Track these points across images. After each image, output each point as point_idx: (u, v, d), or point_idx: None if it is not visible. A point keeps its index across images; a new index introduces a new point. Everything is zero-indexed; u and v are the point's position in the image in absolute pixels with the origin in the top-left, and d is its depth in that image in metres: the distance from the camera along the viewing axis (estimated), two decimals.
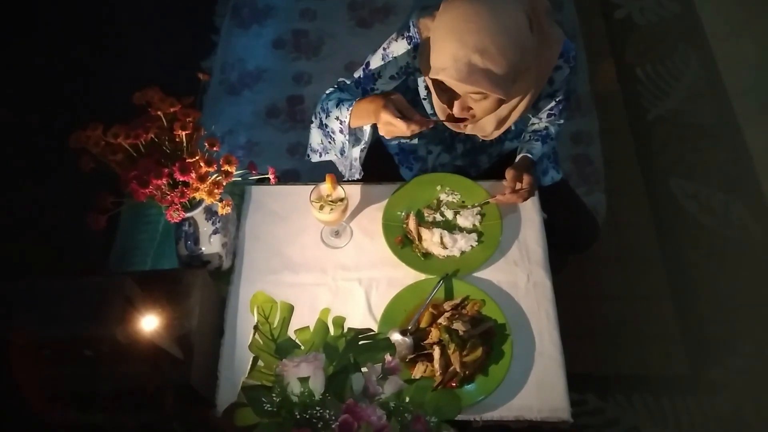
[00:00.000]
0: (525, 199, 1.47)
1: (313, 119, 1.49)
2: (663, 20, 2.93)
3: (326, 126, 1.42)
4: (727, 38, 2.78)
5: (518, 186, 1.45)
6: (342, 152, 1.46)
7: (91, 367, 1.12)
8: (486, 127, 1.44)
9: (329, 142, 1.47)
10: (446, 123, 1.42)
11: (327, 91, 1.47)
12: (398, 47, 1.41)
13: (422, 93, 1.53)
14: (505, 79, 1.20)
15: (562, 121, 1.60)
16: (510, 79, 1.22)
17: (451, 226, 1.49)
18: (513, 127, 1.72)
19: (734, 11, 2.81)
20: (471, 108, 1.31)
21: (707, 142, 2.54)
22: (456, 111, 1.31)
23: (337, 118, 1.37)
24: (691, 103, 2.64)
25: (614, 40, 2.87)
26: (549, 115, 1.56)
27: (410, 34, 1.38)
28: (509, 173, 1.45)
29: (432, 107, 1.55)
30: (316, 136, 1.52)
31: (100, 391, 1.22)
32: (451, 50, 1.18)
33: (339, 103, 1.37)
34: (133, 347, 1.05)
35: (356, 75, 1.50)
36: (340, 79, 1.51)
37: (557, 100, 1.51)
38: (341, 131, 1.38)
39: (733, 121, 2.59)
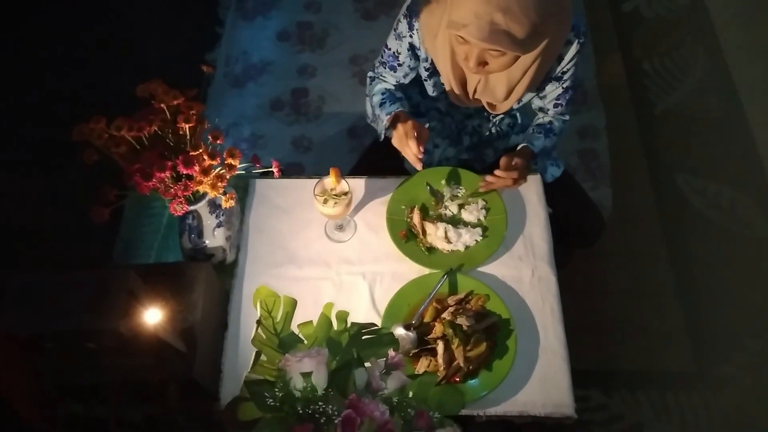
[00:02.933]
0: (516, 182, 1.44)
1: (367, 94, 1.67)
2: (671, 13, 2.90)
3: (372, 108, 1.62)
4: (735, 31, 2.75)
5: (501, 173, 1.42)
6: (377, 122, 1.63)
7: (94, 360, 1.12)
8: (496, 91, 1.43)
9: (374, 122, 1.65)
10: (457, 98, 1.46)
11: (370, 74, 1.64)
12: (403, 27, 1.45)
13: (423, 74, 1.53)
14: (526, 38, 1.21)
15: (567, 117, 1.59)
16: (529, 38, 1.22)
17: (455, 221, 1.48)
18: (519, 121, 1.71)
19: (742, 4, 2.78)
20: (487, 63, 1.30)
21: (715, 136, 2.52)
22: (472, 65, 1.29)
23: (377, 115, 1.57)
24: (699, 97, 2.62)
25: (621, 34, 2.85)
26: (555, 105, 1.55)
27: (406, 13, 1.42)
28: (504, 159, 1.44)
29: (434, 88, 1.54)
30: (368, 107, 1.68)
31: (103, 384, 1.22)
32: (473, 6, 1.17)
33: (381, 102, 1.56)
34: (137, 340, 1.05)
35: (380, 57, 1.57)
36: (371, 73, 1.64)
37: (564, 86, 1.49)
38: (380, 121, 1.57)
39: (741, 116, 2.57)
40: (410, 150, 1.39)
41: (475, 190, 1.50)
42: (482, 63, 1.30)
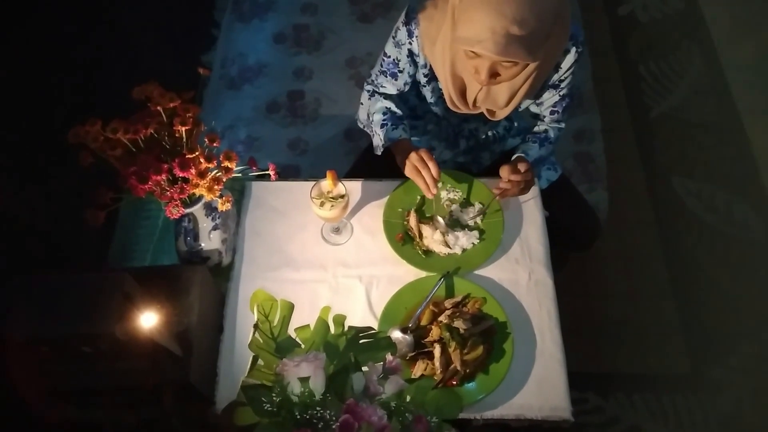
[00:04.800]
0: (523, 188, 1.44)
1: (362, 102, 1.70)
2: (666, 17, 2.91)
3: (370, 122, 1.61)
4: (730, 35, 2.76)
5: (516, 177, 1.40)
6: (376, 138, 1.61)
7: (89, 363, 1.11)
8: (498, 99, 1.42)
9: (370, 131, 1.64)
10: (456, 105, 1.46)
11: (367, 87, 1.64)
12: (402, 35, 1.44)
13: (422, 80, 1.53)
14: (539, 46, 1.21)
15: (563, 125, 1.59)
16: (540, 46, 1.22)
17: (452, 224, 1.48)
18: (516, 124, 1.71)
19: (738, 8, 2.80)
20: (498, 74, 1.29)
21: (710, 139, 2.52)
22: (483, 78, 1.28)
23: (377, 133, 1.56)
24: (694, 100, 2.63)
25: (617, 37, 2.85)
26: (552, 112, 1.55)
27: (405, 20, 1.41)
28: (503, 169, 1.41)
29: (432, 93, 1.54)
30: (362, 114, 1.71)
31: (98, 388, 1.21)
32: (488, 22, 1.15)
33: (383, 124, 1.54)
34: (132, 344, 1.04)
35: (379, 66, 1.56)
36: (368, 86, 1.64)
37: (561, 94, 1.49)
38: (380, 139, 1.55)
39: (737, 119, 2.58)
40: (429, 173, 1.36)
41: (491, 201, 1.48)
42: (494, 75, 1.29)
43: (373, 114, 1.59)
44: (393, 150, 1.51)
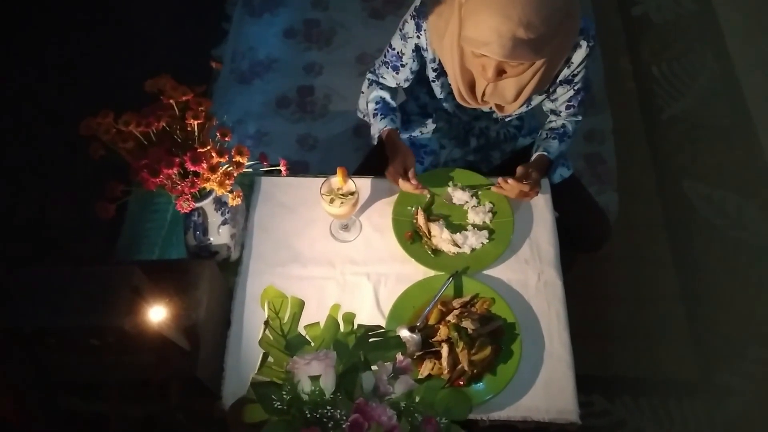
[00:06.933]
0: (526, 195, 1.43)
1: (362, 91, 1.70)
2: (680, 19, 2.89)
3: (368, 111, 1.64)
4: (744, 38, 2.74)
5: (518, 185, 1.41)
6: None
7: (97, 356, 1.11)
8: (506, 93, 1.41)
9: (368, 120, 1.67)
10: (465, 99, 1.46)
11: (369, 76, 1.64)
12: (409, 28, 1.44)
13: (431, 75, 1.52)
14: (546, 45, 1.20)
15: (580, 118, 1.58)
16: (547, 45, 1.21)
17: (462, 226, 1.47)
18: (526, 123, 1.70)
19: (752, 11, 2.77)
20: (505, 71, 1.30)
21: (722, 143, 2.50)
22: (490, 75, 1.29)
23: (371, 122, 1.59)
24: (707, 103, 2.61)
25: (630, 38, 2.84)
26: (568, 107, 1.54)
27: (414, 14, 1.41)
28: (520, 169, 1.43)
29: (442, 89, 1.53)
30: (362, 103, 1.72)
31: (105, 381, 1.21)
32: (494, 24, 1.16)
33: (375, 113, 1.58)
34: (140, 337, 1.04)
35: (383, 57, 1.56)
36: (370, 75, 1.63)
37: (575, 89, 1.48)
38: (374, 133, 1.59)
39: (749, 123, 2.55)
40: (408, 186, 1.43)
41: (484, 185, 1.49)
42: (500, 72, 1.29)
43: (368, 103, 1.62)
44: (384, 141, 1.54)
